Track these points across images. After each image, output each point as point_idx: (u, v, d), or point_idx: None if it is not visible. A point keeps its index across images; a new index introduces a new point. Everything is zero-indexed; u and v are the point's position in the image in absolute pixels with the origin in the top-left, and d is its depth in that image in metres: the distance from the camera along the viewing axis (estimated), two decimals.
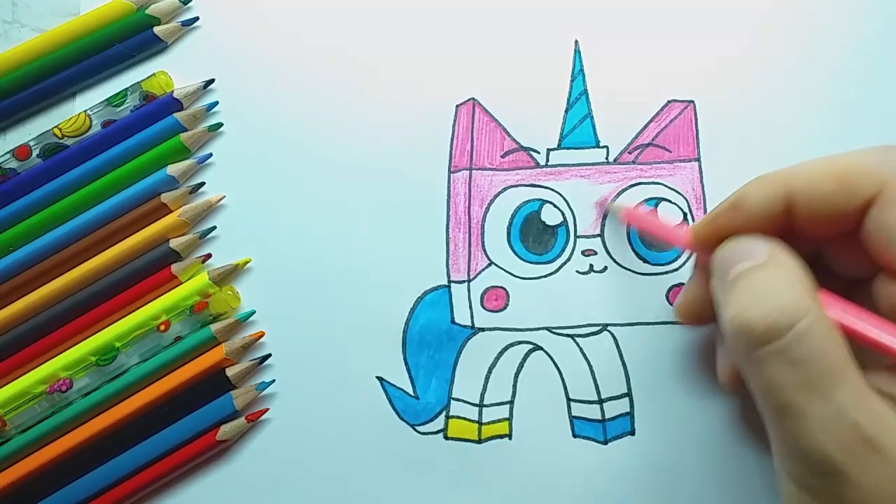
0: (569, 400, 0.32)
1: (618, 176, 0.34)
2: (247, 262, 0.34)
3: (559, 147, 0.34)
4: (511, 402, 0.32)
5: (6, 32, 0.38)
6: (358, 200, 0.34)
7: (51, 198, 0.35)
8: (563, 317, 0.33)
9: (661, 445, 0.31)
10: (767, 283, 0.22)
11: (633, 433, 0.32)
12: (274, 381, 0.33)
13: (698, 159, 0.34)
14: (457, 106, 0.35)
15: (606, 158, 0.34)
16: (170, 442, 0.32)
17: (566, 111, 0.35)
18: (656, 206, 0.34)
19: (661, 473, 0.31)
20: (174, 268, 0.34)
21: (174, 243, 0.34)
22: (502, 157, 0.34)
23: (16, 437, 0.33)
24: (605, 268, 0.33)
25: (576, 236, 0.33)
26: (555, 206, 0.34)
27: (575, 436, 0.32)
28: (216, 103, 0.36)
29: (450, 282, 0.33)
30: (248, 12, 0.37)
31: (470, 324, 0.33)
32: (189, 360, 0.33)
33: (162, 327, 0.33)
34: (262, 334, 0.33)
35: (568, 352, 0.33)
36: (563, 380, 0.32)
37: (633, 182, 0.34)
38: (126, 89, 0.36)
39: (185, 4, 0.37)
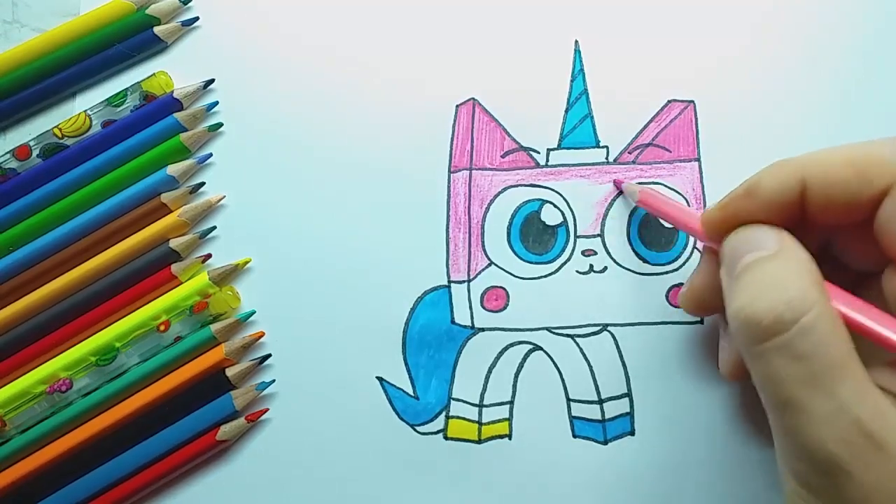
0: (569, 400, 0.32)
1: (618, 176, 0.34)
2: (247, 262, 0.34)
3: (559, 147, 0.34)
4: (511, 403, 0.32)
5: (6, 32, 0.38)
6: (358, 200, 0.34)
7: (51, 198, 0.35)
8: (563, 317, 0.33)
9: (661, 445, 0.31)
10: (775, 275, 0.22)
11: (632, 433, 0.32)
12: (274, 381, 0.33)
13: (698, 159, 0.34)
14: (457, 106, 0.35)
15: (606, 158, 0.34)
16: (170, 442, 0.32)
17: (566, 111, 0.35)
18: None
19: (660, 473, 0.31)
20: (174, 268, 0.34)
21: (174, 243, 0.34)
22: (502, 157, 0.34)
23: (16, 437, 0.33)
24: (605, 268, 0.33)
25: (576, 236, 0.33)
26: (555, 206, 0.34)
27: (575, 436, 0.32)
28: (216, 103, 0.36)
29: (450, 282, 0.33)
30: (248, 12, 0.37)
31: (470, 324, 0.33)
32: (189, 360, 0.33)
33: (162, 327, 0.33)
34: (262, 334, 0.33)
35: (568, 352, 0.33)
36: (563, 380, 0.32)
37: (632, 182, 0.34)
38: (126, 89, 0.36)
39: (185, 4, 0.37)
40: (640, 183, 0.34)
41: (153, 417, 0.32)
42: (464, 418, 0.32)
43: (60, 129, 0.35)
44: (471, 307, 0.33)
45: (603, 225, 0.34)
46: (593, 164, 0.34)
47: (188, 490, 0.32)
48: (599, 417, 0.32)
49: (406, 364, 0.33)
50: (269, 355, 0.33)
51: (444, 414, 0.32)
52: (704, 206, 0.34)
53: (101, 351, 0.33)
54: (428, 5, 0.36)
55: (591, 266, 0.33)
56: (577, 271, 0.33)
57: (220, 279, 0.34)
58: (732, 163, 0.34)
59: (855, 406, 0.20)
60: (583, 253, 0.33)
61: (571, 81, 0.35)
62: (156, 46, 0.36)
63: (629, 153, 0.34)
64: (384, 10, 0.36)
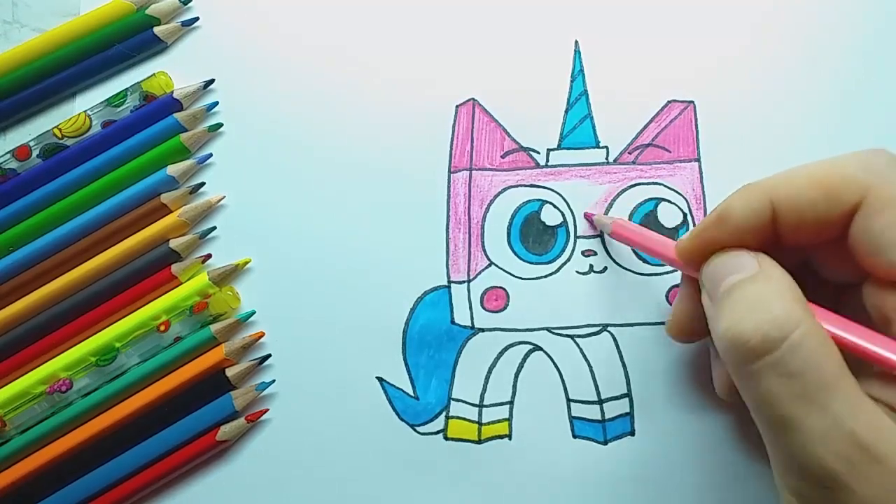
0: (569, 400, 0.32)
1: (618, 176, 0.34)
2: (247, 263, 0.34)
3: (559, 147, 0.34)
4: (511, 403, 0.32)
5: (6, 32, 0.38)
6: (358, 200, 0.34)
7: (51, 198, 0.35)
8: (563, 317, 0.33)
9: (661, 446, 0.31)
10: (758, 295, 0.22)
11: (632, 433, 0.32)
12: (274, 381, 0.33)
13: (698, 159, 0.34)
14: (457, 106, 0.35)
15: (606, 159, 0.34)
16: (170, 442, 0.32)
17: (566, 111, 0.35)
18: (656, 206, 0.34)
19: (660, 474, 0.31)
20: (174, 268, 0.34)
21: (174, 243, 0.34)
22: (502, 157, 0.34)
23: (16, 437, 0.33)
24: (605, 268, 0.33)
25: (576, 236, 0.33)
26: (555, 206, 0.34)
27: (575, 436, 0.32)
28: (216, 103, 0.36)
29: (450, 282, 0.33)
30: (248, 12, 0.37)
31: (470, 324, 0.33)
32: (189, 360, 0.33)
33: (162, 327, 0.33)
34: (262, 334, 0.33)
35: (568, 352, 0.33)
36: (562, 380, 0.32)
37: (632, 182, 0.34)
38: (126, 89, 0.36)
39: (185, 4, 0.37)
40: (640, 184, 0.34)
41: (153, 418, 0.32)
42: (464, 418, 0.32)
43: (60, 130, 0.35)
44: (471, 307, 0.33)
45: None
46: (593, 164, 0.34)
47: (188, 490, 0.32)
48: (599, 417, 0.32)
49: (406, 364, 0.33)
50: (269, 355, 0.33)
51: (444, 414, 0.32)
52: (705, 206, 0.34)
53: (101, 351, 0.33)
54: (428, 5, 0.36)
55: (591, 266, 0.33)
56: (577, 271, 0.33)
57: (220, 279, 0.34)
58: (732, 163, 0.34)
59: (849, 419, 0.20)
60: (583, 253, 0.33)
61: (571, 82, 0.35)
62: (156, 46, 0.36)
63: (629, 153, 0.34)
64: (384, 10, 0.36)
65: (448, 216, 0.34)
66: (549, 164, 0.34)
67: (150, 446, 0.32)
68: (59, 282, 0.34)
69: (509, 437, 0.32)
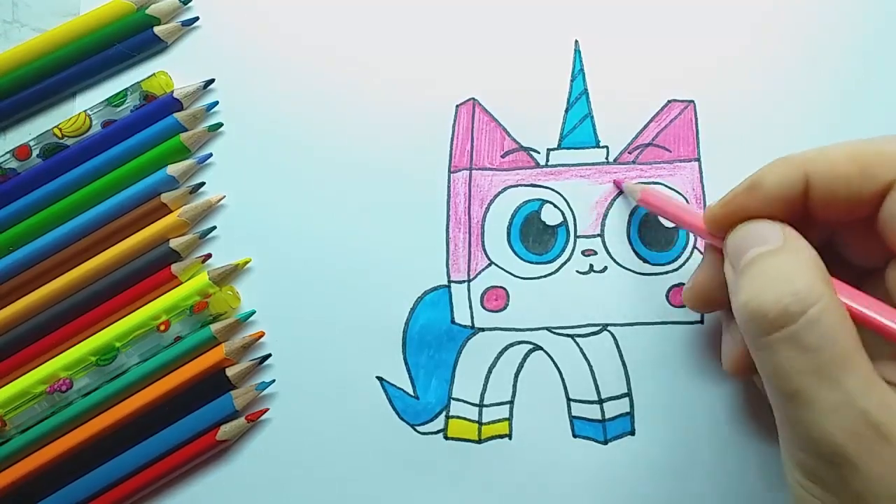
0: (569, 400, 0.32)
1: (618, 176, 0.34)
2: (247, 262, 0.34)
3: (559, 147, 0.34)
4: (511, 402, 0.32)
5: (6, 32, 0.38)
6: (358, 200, 0.34)
7: (51, 198, 0.35)
8: (563, 317, 0.33)
9: (661, 445, 0.31)
10: (781, 268, 0.22)
11: (633, 433, 0.32)
12: (274, 381, 0.33)
13: (698, 159, 0.34)
14: (457, 106, 0.35)
15: (606, 158, 0.34)
16: (170, 442, 0.32)
17: (566, 111, 0.35)
18: None
19: (661, 473, 0.31)
20: (174, 268, 0.34)
21: (174, 243, 0.34)
22: (502, 157, 0.34)
23: (16, 437, 0.33)
24: (605, 268, 0.33)
25: (576, 236, 0.33)
26: (555, 206, 0.34)
27: (575, 436, 0.32)
28: (216, 103, 0.36)
29: (450, 282, 0.33)
30: (248, 12, 0.37)
31: (470, 324, 0.33)
32: (189, 360, 0.33)
33: (162, 327, 0.33)
34: (262, 334, 0.33)
35: (568, 352, 0.33)
36: (563, 380, 0.32)
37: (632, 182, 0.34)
38: (126, 89, 0.36)
39: (185, 4, 0.37)
40: (640, 183, 0.34)
41: (153, 417, 0.32)
42: (464, 418, 0.32)
43: (60, 129, 0.35)
44: (471, 307, 0.33)
45: (603, 225, 0.34)
46: (593, 164, 0.34)
47: (188, 490, 0.32)
48: (599, 417, 0.32)
49: (406, 364, 0.33)
50: (269, 355, 0.33)
51: (444, 414, 0.32)
52: (704, 206, 0.33)
53: (101, 351, 0.33)
54: (428, 5, 0.36)
55: (591, 266, 0.33)
56: (577, 271, 0.33)
57: (220, 279, 0.34)
58: (732, 163, 0.34)
59: (861, 398, 0.20)
60: (583, 253, 0.33)
61: (571, 81, 0.35)
62: (156, 46, 0.36)
63: (629, 153, 0.34)
64: (384, 10, 0.36)
65: (448, 216, 0.34)
66: (549, 163, 0.34)
67: (150, 446, 0.32)
68: (59, 282, 0.34)
69: (509, 436, 0.32)
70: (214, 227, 0.35)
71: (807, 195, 0.24)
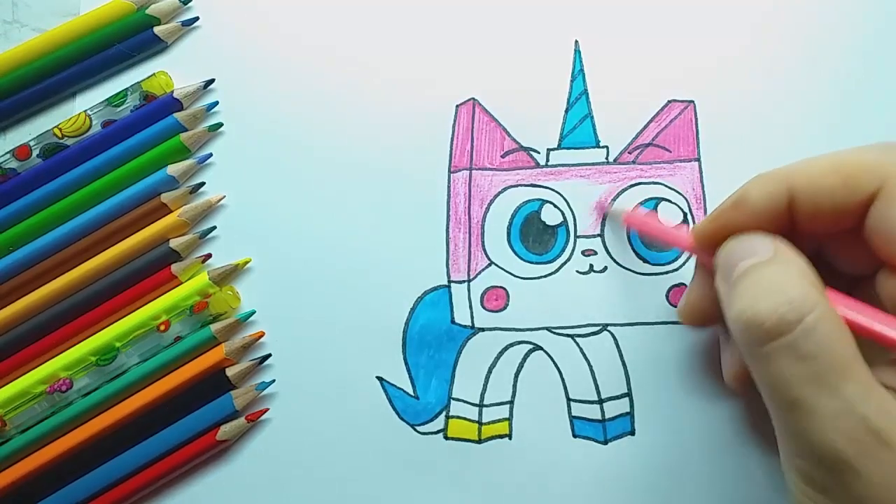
0: (569, 400, 0.32)
1: (618, 176, 0.34)
2: (247, 262, 0.34)
3: (559, 147, 0.34)
4: (511, 402, 0.32)
5: (6, 32, 0.38)
6: (358, 200, 0.34)
7: (51, 198, 0.35)
8: (563, 317, 0.33)
9: (661, 445, 0.31)
10: (774, 278, 0.22)
11: (633, 433, 0.32)
12: (274, 381, 0.33)
13: (698, 159, 0.34)
14: (457, 106, 0.35)
15: (606, 158, 0.34)
16: (170, 442, 0.32)
17: (566, 111, 0.35)
18: (656, 206, 0.34)
19: (661, 473, 0.31)
20: (174, 268, 0.34)
21: (174, 243, 0.34)
22: (502, 157, 0.34)
23: (16, 437, 0.33)
24: (605, 268, 0.33)
25: (576, 236, 0.33)
26: (555, 206, 0.34)
27: (575, 436, 0.32)
28: (216, 103, 0.36)
29: (450, 282, 0.33)
30: (248, 12, 0.37)
31: (470, 324, 0.33)
32: (189, 360, 0.33)
33: (162, 327, 0.33)
34: (262, 334, 0.33)
35: (568, 352, 0.33)
36: (563, 380, 0.32)
37: (632, 182, 0.34)
38: (126, 89, 0.36)
39: (185, 4, 0.37)
40: (639, 183, 0.34)
41: (153, 417, 0.32)
42: (464, 418, 0.32)
43: (60, 129, 0.35)
44: (471, 307, 0.33)
45: (603, 225, 0.34)
46: (593, 164, 0.34)
47: (188, 490, 0.32)
48: (599, 417, 0.32)
49: (406, 364, 0.33)
50: (269, 355, 0.33)
51: (444, 414, 0.32)
52: (705, 206, 0.34)
53: (101, 351, 0.33)
54: (428, 5, 0.36)
55: (591, 266, 0.33)
56: (577, 271, 0.33)
57: (220, 279, 0.34)
58: (732, 163, 0.34)
59: (861, 404, 0.20)
60: (583, 253, 0.33)
61: (571, 81, 0.35)
62: (156, 46, 0.37)
63: (629, 153, 0.34)
64: (384, 10, 0.36)
65: (448, 216, 0.34)
66: (549, 163, 0.34)
67: (150, 446, 0.32)
68: (59, 282, 0.34)
69: (509, 436, 0.32)
70: (214, 227, 0.35)
71: (792, 208, 0.24)
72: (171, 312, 0.33)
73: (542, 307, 0.33)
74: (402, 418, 0.32)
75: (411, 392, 0.32)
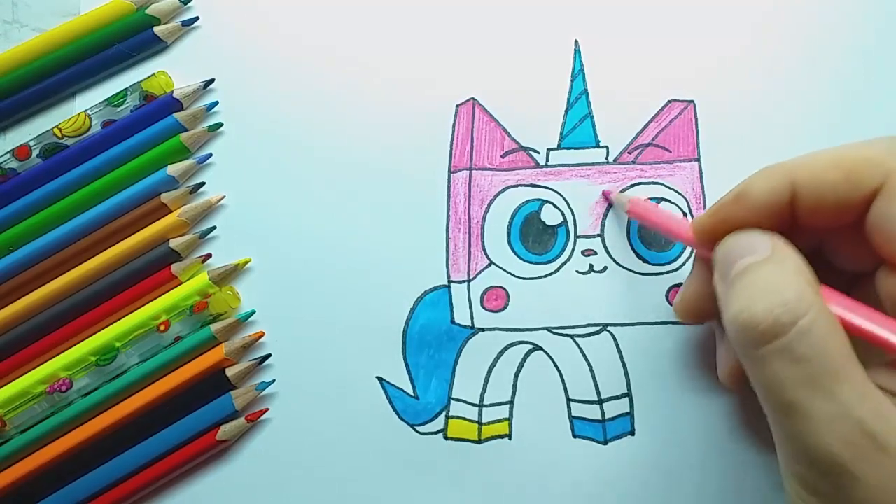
0: (569, 400, 0.32)
1: (618, 176, 0.34)
2: (247, 262, 0.34)
3: (559, 147, 0.34)
4: (511, 402, 0.32)
5: (6, 32, 0.38)
6: (358, 200, 0.34)
7: (51, 198, 0.35)
8: (563, 317, 0.33)
9: (661, 445, 0.31)
10: (771, 278, 0.22)
11: (633, 433, 0.32)
12: (274, 381, 0.33)
13: (698, 159, 0.34)
14: (457, 106, 0.35)
15: (606, 158, 0.34)
16: (170, 442, 0.32)
17: (566, 111, 0.35)
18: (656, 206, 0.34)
19: (660, 473, 0.31)
20: (174, 268, 0.34)
21: (174, 243, 0.34)
22: (502, 157, 0.34)
23: (16, 437, 0.33)
24: (605, 268, 0.33)
25: (576, 236, 0.33)
26: (555, 206, 0.34)
27: (575, 436, 0.32)
28: (216, 103, 0.36)
29: (450, 282, 0.33)
30: (248, 12, 0.37)
31: (470, 324, 0.33)
32: (189, 360, 0.33)
33: (162, 327, 0.33)
34: (262, 334, 0.33)
35: (568, 352, 0.33)
36: (563, 380, 0.32)
37: (632, 182, 0.34)
38: (126, 89, 0.36)
39: (185, 4, 0.37)
40: (639, 183, 0.34)
41: (153, 417, 0.32)
42: (464, 418, 0.32)
43: (60, 129, 0.35)
44: (471, 307, 0.33)
45: (603, 225, 0.34)
46: (593, 164, 0.34)
47: (188, 490, 0.32)
48: (599, 417, 0.32)
49: (406, 364, 0.33)
50: (269, 355, 0.33)
51: (444, 414, 0.32)
52: (704, 206, 0.34)
53: (101, 351, 0.33)
54: (428, 5, 0.36)
55: (591, 266, 0.33)
56: (577, 271, 0.33)
57: (220, 279, 0.34)
58: (732, 163, 0.34)
59: (856, 407, 0.20)
60: (583, 253, 0.33)
61: (571, 81, 0.35)
62: (156, 46, 0.36)
63: (629, 153, 0.34)
64: (384, 10, 0.36)
65: (448, 216, 0.34)
66: (549, 163, 0.34)
67: (150, 446, 0.32)
68: (59, 282, 0.34)
69: (509, 436, 0.32)
70: (214, 227, 0.35)
71: (794, 203, 0.24)
72: (171, 312, 0.33)
73: (542, 307, 0.33)
74: (401, 418, 0.32)
75: (411, 392, 0.32)
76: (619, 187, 0.34)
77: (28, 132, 0.36)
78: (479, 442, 0.32)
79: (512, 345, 0.33)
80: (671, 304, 0.33)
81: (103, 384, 0.33)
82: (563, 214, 0.34)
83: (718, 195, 0.26)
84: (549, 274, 0.33)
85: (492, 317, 0.33)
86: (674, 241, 0.32)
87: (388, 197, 0.34)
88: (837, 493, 0.20)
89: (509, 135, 0.35)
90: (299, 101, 0.36)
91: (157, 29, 0.36)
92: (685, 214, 0.33)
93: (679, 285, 0.33)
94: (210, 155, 0.35)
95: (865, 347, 0.21)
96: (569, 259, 0.33)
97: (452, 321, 0.33)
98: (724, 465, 0.31)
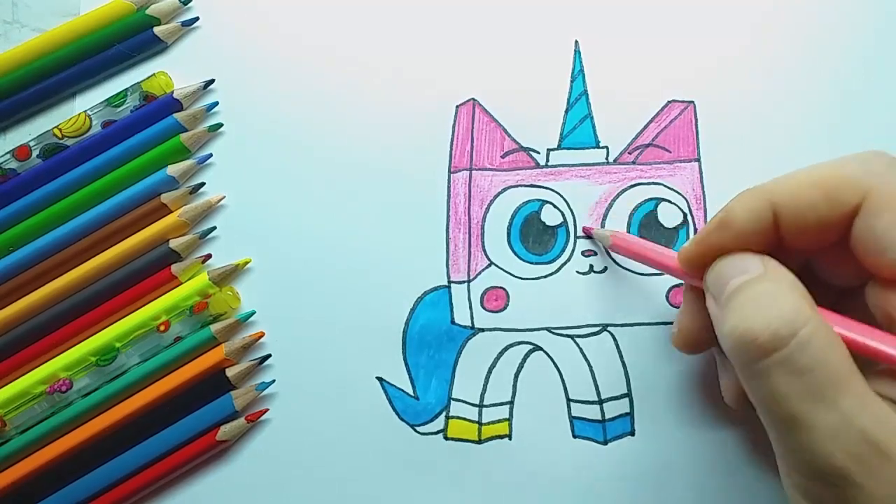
0: (569, 400, 0.32)
1: (618, 176, 0.34)
2: (247, 262, 0.34)
3: (559, 147, 0.34)
4: (511, 403, 0.32)
5: (6, 32, 0.38)
6: (358, 200, 0.34)
7: (51, 198, 0.35)
8: (563, 317, 0.33)
9: (661, 446, 0.31)
10: (766, 293, 0.22)
11: (632, 433, 0.32)
12: (274, 381, 0.33)
13: (698, 159, 0.34)
14: (457, 106, 0.35)
15: (606, 159, 0.34)
16: (170, 442, 0.32)
17: (566, 111, 0.35)
18: (656, 206, 0.34)
19: (660, 474, 0.31)
20: (174, 268, 0.34)
21: (174, 243, 0.34)
22: (502, 157, 0.34)
23: (16, 437, 0.33)
24: (605, 268, 0.33)
25: (576, 237, 0.33)
26: (555, 206, 0.34)
27: (575, 436, 0.32)
28: (216, 103, 0.36)
29: (450, 282, 0.33)
30: (248, 12, 0.37)
31: (470, 324, 0.33)
32: (189, 360, 0.33)
33: (162, 327, 0.33)
34: (262, 334, 0.33)
35: (568, 352, 0.33)
36: (563, 380, 0.32)
37: (632, 182, 0.34)
38: (126, 89, 0.36)
39: (185, 4, 0.37)
40: (640, 184, 0.34)
41: (153, 417, 0.32)
42: (464, 418, 0.32)
43: (60, 129, 0.35)
44: (471, 307, 0.33)
45: (603, 225, 0.34)
46: (593, 164, 0.34)
47: (188, 490, 0.32)
48: (599, 417, 0.32)
49: (406, 364, 0.33)
50: (269, 355, 0.33)
51: (444, 414, 0.32)
52: (705, 206, 0.34)
53: (101, 351, 0.33)
54: (428, 5, 0.36)
55: (591, 266, 0.33)
56: (577, 271, 0.33)
57: (220, 279, 0.34)
58: (732, 163, 0.34)
59: (859, 417, 0.20)
60: (583, 253, 0.33)
61: (571, 82, 0.35)
62: (156, 46, 0.36)
63: (629, 153, 0.34)
64: (384, 11, 0.36)
65: (448, 216, 0.34)
66: (549, 164, 0.34)
67: (150, 446, 0.32)
68: (59, 282, 0.34)
69: (509, 437, 0.32)
70: (214, 228, 0.35)
71: (777, 225, 0.24)
72: (171, 313, 0.33)
73: (542, 307, 0.33)
74: (402, 418, 0.32)
75: (411, 392, 0.32)
76: (618, 189, 0.34)
77: (28, 132, 0.36)
78: (479, 442, 0.32)
79: (512, 345, 0.33)
80: (671, 305, 0.33)
81: (103, 384, 0.33)
82: (563, 215, 0.34)
83: (718, 195, 0.26)
84: (549, 274, 0.33)
85: (492, 317, 0.33)
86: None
87: (388, 197, 0.34)
88: None
89: (509, 135, 0.35)
90: (299, 101, 0.36)
91: (157, 29, 0.36)
92: (685, 215, 0.33)
93: (679, 286, 0.33)
94: (210, 155, 0.35)
95: (861, 359, 0.21)
96: (569, 259, 0.33)
97: (452, 321, 0.33)
98: (724, 465, 0.31)
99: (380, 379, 0.33)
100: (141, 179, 0.35)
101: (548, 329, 0.33)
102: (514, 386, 0.32)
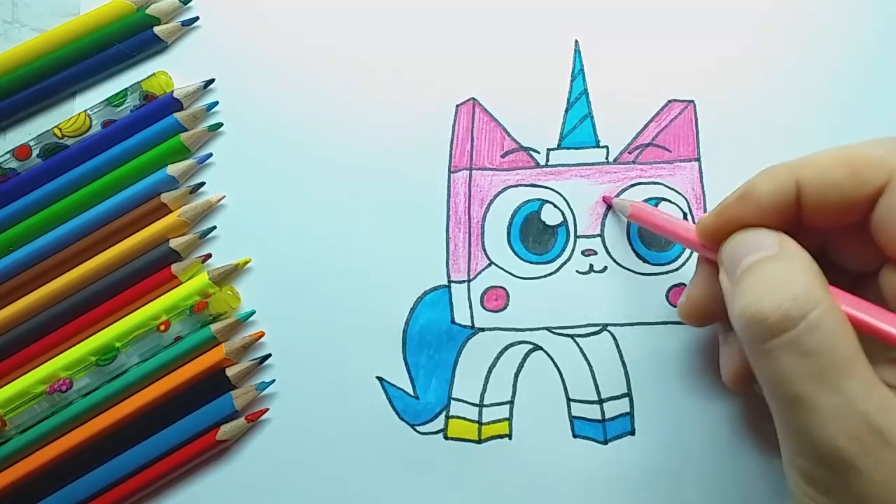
0: (569, 400, 0.32)
1: (618, 176, 0.34)
2: (247, 262, 0.34)
3: (559, 147, 0.34)
4: (511, 402, 0.32)
5: (6, 32, 0.38)
6: (358, 200, 0.34)
7: (51, 198, 0.35)
8: (563, 317, 0.33)
9: (661, 445, 0.31)
10: (779, 273, 0.22)
11: (633, 433, 0.32)
12: (274, 381, 0.33)
13: (698, 159, 0.34)
14: (457, 106, 0.35)
15: (606, 158, 0.34)
16: (170, 442, 0.32)
17: (566, 111, 0.35)
18: (656, 206, 0.34)
19: (660, 473, 0.31)
20: (174, 268, 0.34)
21: (174, 243, 0.34)
22: (502, 157, 0.35)
23: (16, 437, 0.33)
24: (605, 268, 0.33)
25: (576, 236, 0.33)
26: (555, 205, 0.34)
27: (575, 436, 0.32)
28: (216, 103, 0.36)
29: (450, 282, 0.33)
30: (248, 12, 0.37)
31: (470, 324, 0.33)
32: (189, 360, 0.33)
33: (162, 327, 0.33)
34: (262, 334, 0.33)
35: (568, 352, 0.33)
36: (563, 380, 0.32)
37: (633, 182, 0.34)
38: (126, 89, 0.36)
39: (185, 4, 0.37)
40: (639, 183, 0.34)
41: (153, 417, 0.32)
42: (464, 418, 0.32)
43: (60, 129, 0.35)
44: (471, 307, 0.33)
45: (603, 225, 0.34)
46: (593, 164, 0.34)
47: (188, 490, 0.32)
48: (599, 417, 0.32)
49: (406, 364, 0.33)
50: (269, 355, 0.33)
51: (444, 414, 0.32)
52: (705, 206, 0.34)
53: (101, 351, 0.33)
54: (428, 5, 0.36)
55: (591, 266, 0.33)
56: (577, 271, 0.33)
57: (220, 279, 0.34)
58: (732, 163, 0.34)
59: (863, 402, 0.20)
60: (583, 253, 0.33)
61: (571, 81, 0.35)
62: (156, 46, 0.36)
63: (629, 153, 0.34)
64: (384, 10, 0.36)
65: (448, 216, 0.34)
66: (549, 163, 0.34)
67: (150, 446, 0.32)
68: (59, 282, 0.34)
69: (509, 436, 0.32)
70: (214, 227, 0.35)
71: (798, 202, 0.24)
72: (171, 312, 0.33)
73: (542, 307, 0.33)
74: (402, 418, 0.32)
75: (411, 392, 0.32)
76: (618, 189, 0.34)
77: (28, 132, 0.36)
78: (479, 442, 0.32)
79: (512, 345, 0.33)
80: (671, 304, 0.33)
81: (103, 384, 0.33)
82: (563, 214, 0.34)
83: (718, 195, 0.26)
84: (550, 274, 0.33)
85: (492, 317, 0.33)
86: (677, 243, 0.32)
87: (388, 197, 0.34)
88: (842, 489, 0.20)
89: (509, 135, 0.35)
90: (299, 101, 0.36)
91: (157, 29, 0.36)
92: (685, 215, 0.33)
93: (679, 285, 0.33)
94: (210, 155, 0.35)
95: (871, 344, 0.21)
96: (569, 259, 0.33)
97: (452, 321, 0.33)
98: (724, 465, 0.31)
99: (380, 379, 0.33)
100: (141, 179, 0.35)
101: (548, 329, 0.33)
102: (514, 385, 0.32)
